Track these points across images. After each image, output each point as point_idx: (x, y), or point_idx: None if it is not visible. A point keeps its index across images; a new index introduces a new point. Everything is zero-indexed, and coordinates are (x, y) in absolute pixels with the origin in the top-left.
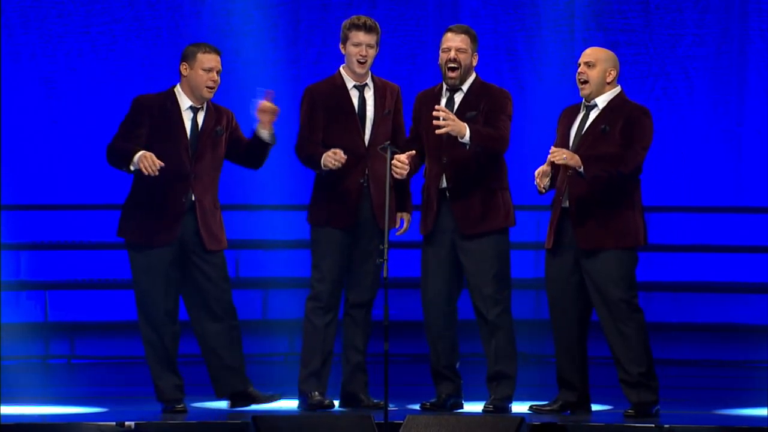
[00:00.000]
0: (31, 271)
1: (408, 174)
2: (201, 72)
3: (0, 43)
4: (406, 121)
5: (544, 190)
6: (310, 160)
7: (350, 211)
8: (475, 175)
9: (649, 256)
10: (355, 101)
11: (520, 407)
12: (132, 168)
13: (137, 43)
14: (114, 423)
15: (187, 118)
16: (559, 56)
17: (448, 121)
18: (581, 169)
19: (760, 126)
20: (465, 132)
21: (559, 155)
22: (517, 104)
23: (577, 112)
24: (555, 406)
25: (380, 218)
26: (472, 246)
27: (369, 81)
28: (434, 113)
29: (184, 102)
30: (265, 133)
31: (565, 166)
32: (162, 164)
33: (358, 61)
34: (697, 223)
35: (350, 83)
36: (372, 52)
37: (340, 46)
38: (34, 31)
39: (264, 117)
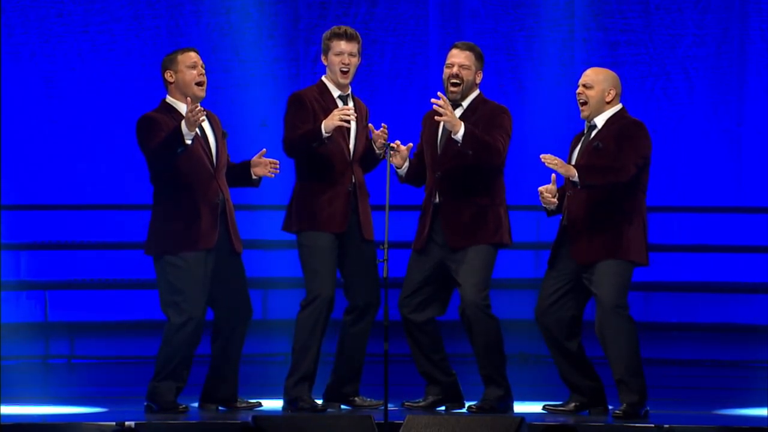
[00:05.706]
0: (31, 271)
1: (407, 173)
2: (186, 69)
3: (0, 43)
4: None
5: (550, 211)
6: (306, 137)
7: (341, 217)
8: (465, 191)
9: (649, 256)
10: None
11: (526, 407)
12: (187, 139)
13: (137, 42)
14: (114, 423)
15: None
16: (559, 56)
17: (446, 110)
18: (575, 179)
19: (760, 126)
20: (459, 128)
21: (550, 160)
22: (517, 104)
23: (582, 135)
24: (569, 407)
25: (365, 228)
26: (458, 256)
27: (350, 93)
28: (433, 100)
29: (182, 108)
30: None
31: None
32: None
33: (341, 71)
34: (697, 223)
35: (335, 92)
36: (354, 61)
37: (322, 58)
38: (34, 31)
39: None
